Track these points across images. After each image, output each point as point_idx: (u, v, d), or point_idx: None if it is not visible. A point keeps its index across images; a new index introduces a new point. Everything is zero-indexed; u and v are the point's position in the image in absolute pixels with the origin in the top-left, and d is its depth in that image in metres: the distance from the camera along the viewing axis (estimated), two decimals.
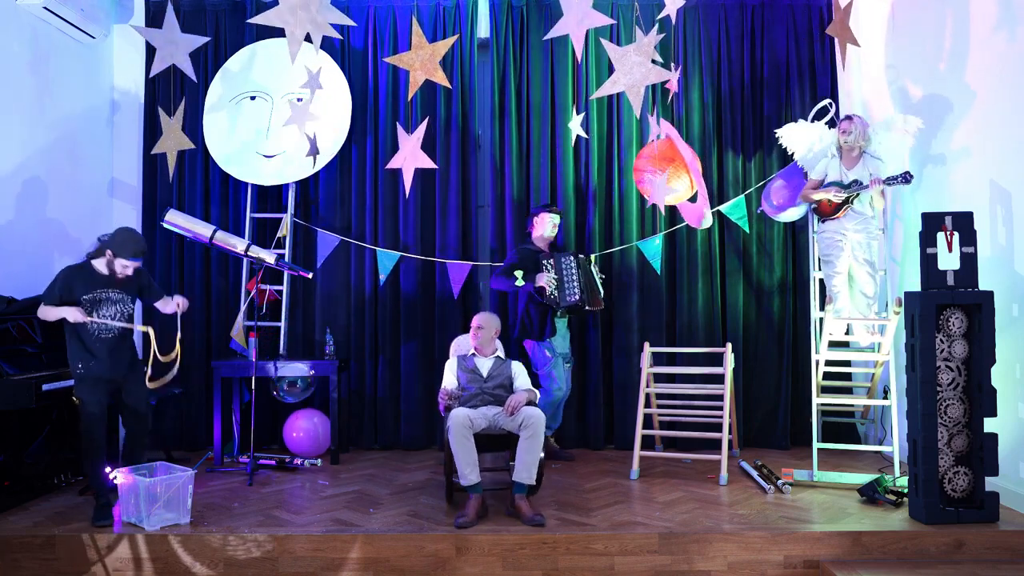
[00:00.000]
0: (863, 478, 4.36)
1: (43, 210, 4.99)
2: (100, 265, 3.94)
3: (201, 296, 5.61)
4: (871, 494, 4.11)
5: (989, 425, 3.83)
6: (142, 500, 3.68)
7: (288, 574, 3.60)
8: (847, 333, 4.82)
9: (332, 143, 5.37)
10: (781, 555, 3.60)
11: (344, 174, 5.69)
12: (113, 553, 3.62)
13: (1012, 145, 4.05)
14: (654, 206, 5.40)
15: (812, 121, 5.06)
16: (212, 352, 5.56)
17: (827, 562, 3.54)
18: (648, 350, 4.91)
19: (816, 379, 4.75)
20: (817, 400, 4.71)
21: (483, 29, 5.69)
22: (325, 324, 5.57)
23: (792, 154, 5.03)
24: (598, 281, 5.15)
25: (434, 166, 5.24)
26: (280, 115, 5.38)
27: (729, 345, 4.86)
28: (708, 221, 4.99)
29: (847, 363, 5.10)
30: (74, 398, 3.94)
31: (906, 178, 4.44)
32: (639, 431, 4.78)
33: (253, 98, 5.47)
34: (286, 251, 5.39)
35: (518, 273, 4.91)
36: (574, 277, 4.90)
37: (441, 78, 4.95)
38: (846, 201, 4.64)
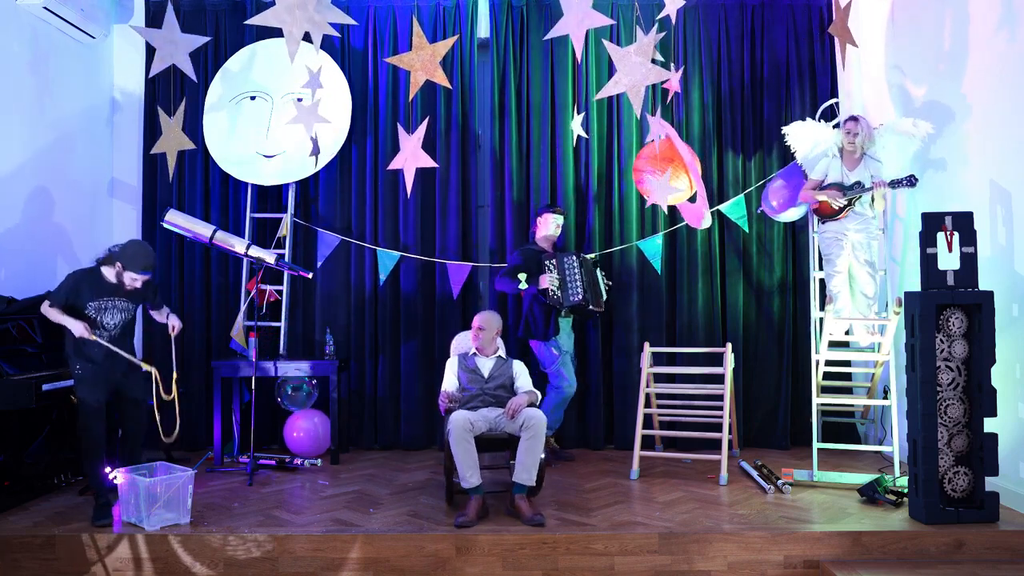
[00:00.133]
0: (863, 478, 4.36)
1: (43, 210, 4.99)
2: (109, 273, 3.98)
3: (201, 296, 5.61)
4: (871, 494, 4.11)
5: (989, 425, 3.83)
6: (142, 500, 3.68)
7: (288, 574, 3.60)
8: (847, 333, 4.82)
9: (332, 143, 5.37)
10: (781, 555, 3.60)
11: (344, 174, 5.69)
12: (113, 553, 3.62)
13: (1012, 145, 4.05)
14: (654, 206, 5.40)
15: (819, 121, 5.05)
16: (212, 352, 5.56)
17: (827, 562, 3.54)
18: (648, 350, 4.91)
19: (816, 379, 4.75)
20: (817, 400, 4.71)
21: (483, 29, 5.70)
22: (325, 324, 5.57)
23: (794, 152, 5.02)
24: (603, 287, 5.14)
25: (435, 165, 5.23)
26: (280, 115, 5.39)
27: (729, 345, 4.86)
28: (707, 221, 5.00)
29: (847, 363, 5.10)
30: (73, 397, 3.96)
31: (911, 181, 4.44)
32: (639, 431, 4.78)
33: (253, 98, 5.47)
34: (286, 251, 5.39)
35: (522, 276, 4.92)
36: (577, 276, 4.89)
37: (442, 78, 4.95)
38: (849, 203, 4.64)
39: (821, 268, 4.91)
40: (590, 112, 5.57)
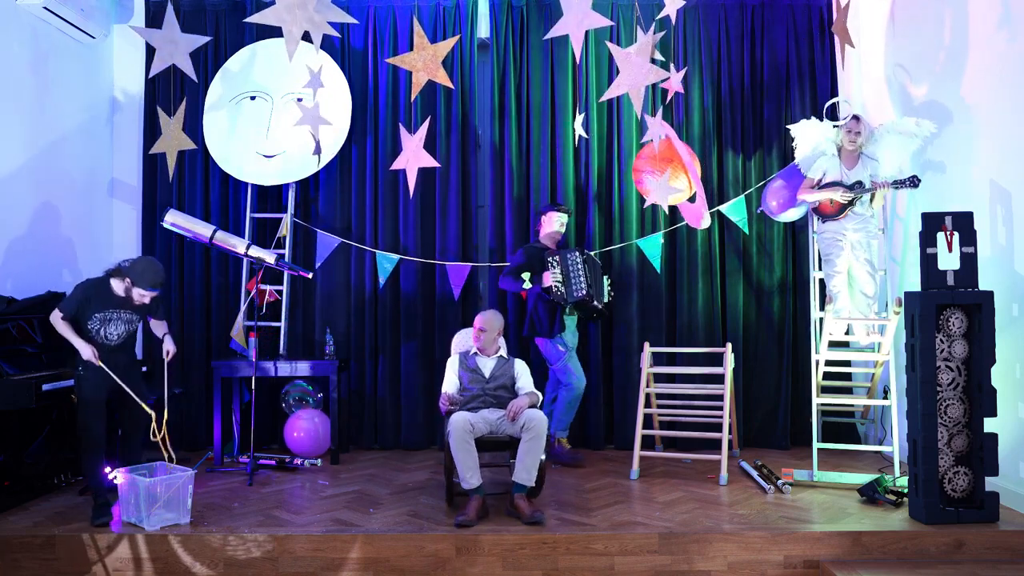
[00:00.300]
0: (863, 478, 4.36)
1: (43, 210, 4.98)
2: (118, 287, 3.99)
3: (201, 296, 5.61)
4: (871, 494, 4.11)
5: (989, 425, 3.83)
6: (142, 500, 3.68)
7: (288, 574, 3.60)
8: (847, 333, 4.82)
9: (332, 143, 5.37)
10: (781, 555, 3.60)
11: (344, 174, 5.69)
12: (113, 553, 3.62)
13: (1012, 145, 4.05)
14: (654, 206, 5.40)
15: (824, 119, 5.03)
16: (212, 352, 5.56)
17: (827, 562, 3.54)
18: (648, 350, 4.91)
19: (816, 379, 4.75)
20: (817, 400, 4.71)
21: (483, 29, 5.70)
22: (325, 324, 5.57)
23: (795, 149, 5.01)
24: (607, 291, 5.12)
25: (437, 165, 5.23)
26: (280, 115, 5.39)
27: (729, 345, 4.86)
28: (707, 221, 4.99)
29: (847, 363, 5.10)
30: (72, 396, 3.96)
31: (914, 182, 4.44)
32: (639, 431, 4.78)
33: (253, 98, 5.47)
34: (286, 251, 5.39)
35: (525, 275, 4.92)
36: (580, 272, 4.88)
37: (444, 78, 4.95)
38: (851, 202, 4.64)
39: (821, 268, 4.91)
40: (590, 112, 5.57)
